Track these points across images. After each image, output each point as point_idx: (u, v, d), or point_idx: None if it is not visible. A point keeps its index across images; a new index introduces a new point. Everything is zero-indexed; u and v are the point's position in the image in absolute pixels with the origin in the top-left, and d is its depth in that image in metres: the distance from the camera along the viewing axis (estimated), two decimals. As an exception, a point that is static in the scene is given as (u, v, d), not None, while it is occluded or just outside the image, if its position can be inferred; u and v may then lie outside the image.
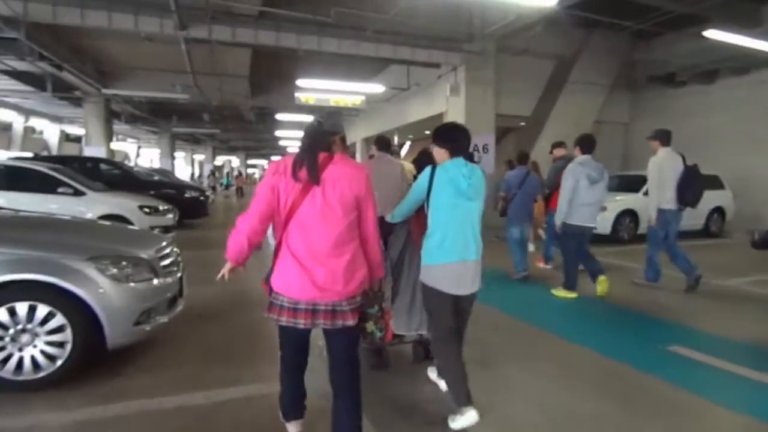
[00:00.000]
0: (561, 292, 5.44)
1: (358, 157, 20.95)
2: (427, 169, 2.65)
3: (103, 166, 11.21)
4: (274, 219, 2.09)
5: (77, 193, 7.38)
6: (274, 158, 25.27)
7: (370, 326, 2.72)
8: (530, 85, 13.49)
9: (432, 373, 3.18)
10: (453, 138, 2.71)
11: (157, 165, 24.98)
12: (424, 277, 2.67)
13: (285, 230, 2.04)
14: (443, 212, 2.59)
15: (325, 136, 2.09)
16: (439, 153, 2.71)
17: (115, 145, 30.73)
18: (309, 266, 1.99)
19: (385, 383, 3.21)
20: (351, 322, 2.06)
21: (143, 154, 36.82)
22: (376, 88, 13.16)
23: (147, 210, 7.89)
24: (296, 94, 13.19)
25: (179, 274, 3.80)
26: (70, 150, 22.35)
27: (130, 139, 32.04)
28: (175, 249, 3.98)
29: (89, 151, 16.83)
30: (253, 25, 9.83)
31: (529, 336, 4.34)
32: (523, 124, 14.85)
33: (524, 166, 6.43)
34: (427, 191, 2.62)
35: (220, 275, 2.22)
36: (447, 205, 2.58)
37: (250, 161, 49.71)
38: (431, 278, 2.63)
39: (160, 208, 8.21)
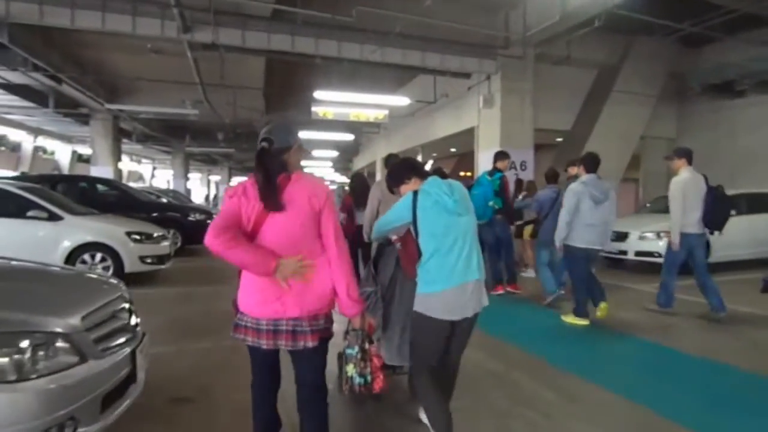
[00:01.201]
0: (570, 319, 5.15)
1: (378, 177, 19.66)
2: (409, 195, 2.46)
3: (100, 187, 10.05)
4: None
5: (53, 217, 6.09)
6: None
7: (349, 369, 2.30)
8: (569, 97, 12.08)
9: (423, 414, 2.72)
10: (410, 167, 2.67)
11: (175, 186, 23.95)
12: (418, 306, 2.43)
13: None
14: (437, 238, 2.38)
15: (279, 156, 2.01)
16: (407, 189, 2.57)
17: (129, 165, 30.35)
18: (270, 285, 1.93)
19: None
20: (311, 343, 1.96)
21: (159, 175, 36.05)
22: (401, 100, 11.90)
23: (137, 237, 6.56)
24: (313, 108, 11.96)
25: (130, 348, 2.44)
26: (82, 171, 21.50)
27: (144, 160, 31.32)
28: (125, 305, 2.62)
29: (96, 171, 15.93)
30: (266, 27, 8.65)
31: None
32: (559, 139, 13.44)
33: (555, 185, 6.07)
34: (413, 219, 2.42)
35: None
36: (439, 228, 2.38)
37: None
38: (428, 306, 2.39)
39: (154, 234, 6.88)
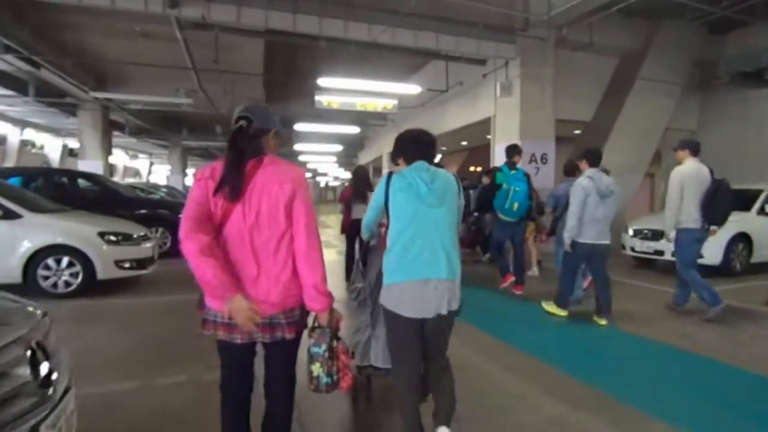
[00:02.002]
0: (551, 307, 5.10)
1: (386, 167, 18.69)
2: (384, 177, 2.32)
3: (81, 183, 9.07)
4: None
5: (8, 214, 5.09)
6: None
7: (315, 368, 1.94)
8: (589, 86, 11.07)
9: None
10: (404, 148, 2.38)
11: (173, 182, 22.83)
12: (383, 299, 2.27)
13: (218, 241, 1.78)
14: (402, 223, 2.21)
15: (257, 138, 1.84)
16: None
17: (125, 161, 29.23)
18: (241, 281, 1.78)
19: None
20: (289, 335, 1.86)
21: (157, 170, 34.94)
22: (412, 88, 10.92)
23: (112, 238, 5.58)
24: (317, 97, 11.00)
25: (30, 422, 1.49)
26: (73, 166, 20.46)
27: (141, 155, 30.27)
28: (30, 350, 1.66)
29: (84, 166, 14.83)
30: (263, 3, 7.67)
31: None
32: (577, 132, 12.48)
33: (573, 179, 5.59)
34: (385, 202, 2.25)
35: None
36: (405, 214, 2.21)
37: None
38: (390, 300, 2.22)
39: (134, 235, 5.91)
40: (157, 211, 9.16)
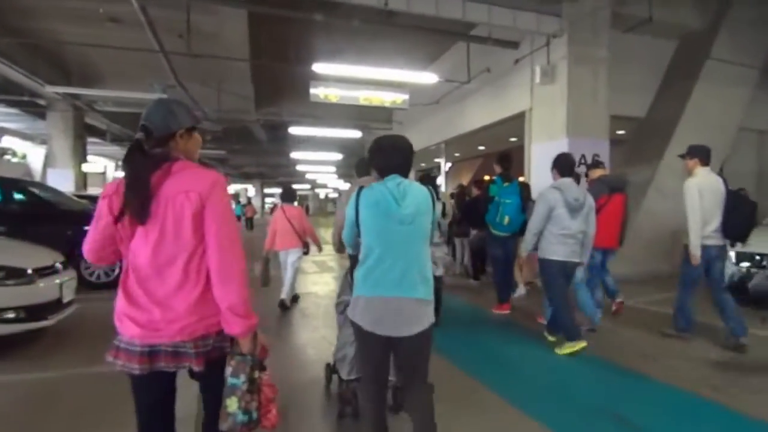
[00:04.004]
0: (566, 349, 4.19)
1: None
2: (355, 192, 2.21)
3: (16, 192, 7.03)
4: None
5: None
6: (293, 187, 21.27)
7: (230, 404, 1.59)
8: (644, 75, 9.00)
9: None
10: (378, 160, 2.23)
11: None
12: (349, 311, 2.19)
13: (125, 260, 1.62)
14: (371, 240, 2.11)
15: (158, 149, 1.60)
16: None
17: (110, 171, 27.15)
18: (142, 303, 1.57)
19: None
20: (196, 368, 1.58)
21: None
22: (427, 77, 8.90)
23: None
24: (312, 90, 9.01)
25: None
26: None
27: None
28: None
29: (53, 175, 13.09)
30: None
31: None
32: (621, 132, 10.39)
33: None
34: (356, 217, 2.15)
35: None
36: (374, 231, 2.11)
37: (267, 190, 44.94)
38: (356, 313, 2.13)
39: (27, 270, 3.88)
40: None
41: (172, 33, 8.19)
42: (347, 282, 2.75)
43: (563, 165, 4.39)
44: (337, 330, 3.08)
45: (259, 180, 40.04)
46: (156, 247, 1.54)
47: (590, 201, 4.31)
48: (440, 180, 13.67)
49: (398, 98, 9.54)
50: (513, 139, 12.49)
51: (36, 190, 7.22)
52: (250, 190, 42.23)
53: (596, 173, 5.40)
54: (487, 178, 12.75)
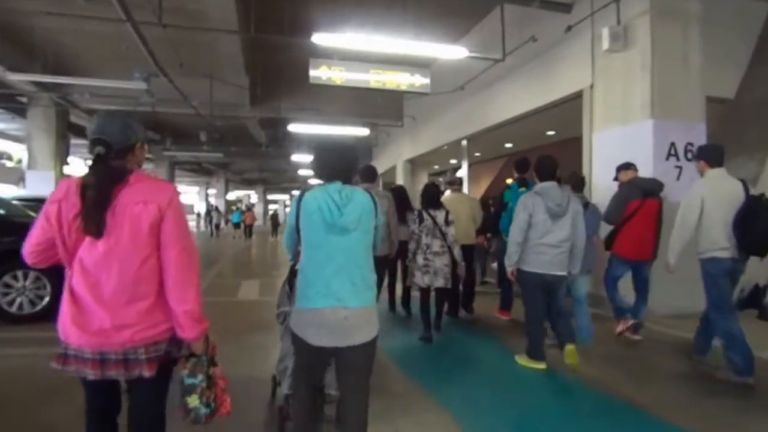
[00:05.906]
0: (523, 361, 3.98)
1: (401, 181, 14.71)
2: (297, 197, 2.09)
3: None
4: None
5: None
6: (295, 193, 19.53)
7: (192, 400, 1.72)
8: (732, 44, 6.98)
9: None
10: (320, 164, 2.11)
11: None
12: (291, 323, 2.10)
13: (70, 267, 1.57)
14: (311, 248, 2.00)
15: (118, 162, 1.60)
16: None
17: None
18: (92, 311, 1.53)
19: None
20: (147, 373, 1.59)
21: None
22: (454, 51, 6.98)
23: None
24: (312, 72, 7.16)
25: None
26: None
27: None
28: None
29: (31, 178, 11.63)
30: None
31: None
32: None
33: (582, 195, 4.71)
34: (296, 224, 2.03)
35: None
36: (314, 239, 1.99)
37: (270, 196, 43.03)
38: (297, 324, 2.02)
39: None
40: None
41: (147, 11, 6.42)
42: (285, 292, 2.53)
43: (544, 168, 3.91)
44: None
45: (261, 186, 38.42)
46: (108, 254, 1.52)
47: (575, 206, 3.85)
48: (464, 186, 11.70)
49: (417, 81, 7.67)
50: (550, 133, 10.53)
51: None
52: (253, 196, 40.52)
53: (627, 175, 4.74)
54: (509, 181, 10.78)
